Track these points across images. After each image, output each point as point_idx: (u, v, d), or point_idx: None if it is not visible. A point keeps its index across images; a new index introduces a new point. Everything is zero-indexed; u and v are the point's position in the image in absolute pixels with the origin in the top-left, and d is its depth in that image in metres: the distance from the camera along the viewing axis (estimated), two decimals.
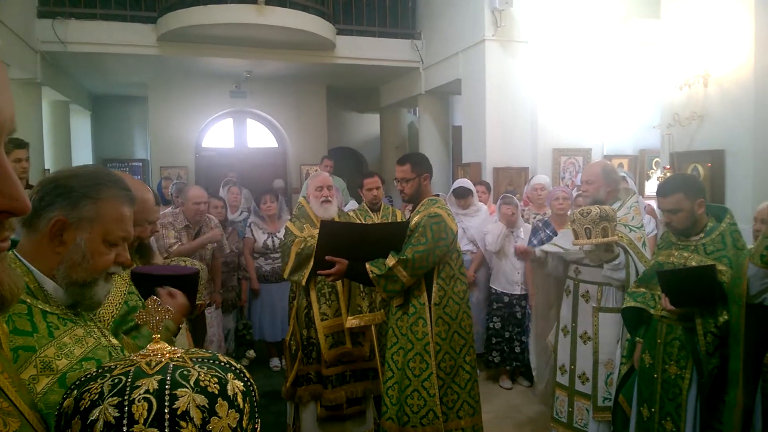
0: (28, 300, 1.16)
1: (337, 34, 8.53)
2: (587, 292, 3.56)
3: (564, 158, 7.20)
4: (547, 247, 3.74)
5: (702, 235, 2.84)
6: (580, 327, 3.59)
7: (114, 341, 1.32)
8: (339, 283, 3.67)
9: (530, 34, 7.16)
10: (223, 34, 7.81)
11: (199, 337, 4.61)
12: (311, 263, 3.60)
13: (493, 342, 5.02)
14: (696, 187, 2.83)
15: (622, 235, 3.35)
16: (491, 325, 5.06)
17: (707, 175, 4.84)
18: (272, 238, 5.32)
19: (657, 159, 6.70)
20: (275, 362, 5.56)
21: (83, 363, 1.16)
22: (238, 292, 5.42)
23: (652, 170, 7.27)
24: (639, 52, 7.19)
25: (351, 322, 3.65)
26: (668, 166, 5.23)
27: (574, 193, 4.80)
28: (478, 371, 3.48)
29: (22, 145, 4.00)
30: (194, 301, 2.21)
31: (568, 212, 4.32)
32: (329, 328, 3.67)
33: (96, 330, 1.28)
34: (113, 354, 1.26)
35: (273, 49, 8.48)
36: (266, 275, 5.37)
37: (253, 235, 5.38)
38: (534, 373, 4.34)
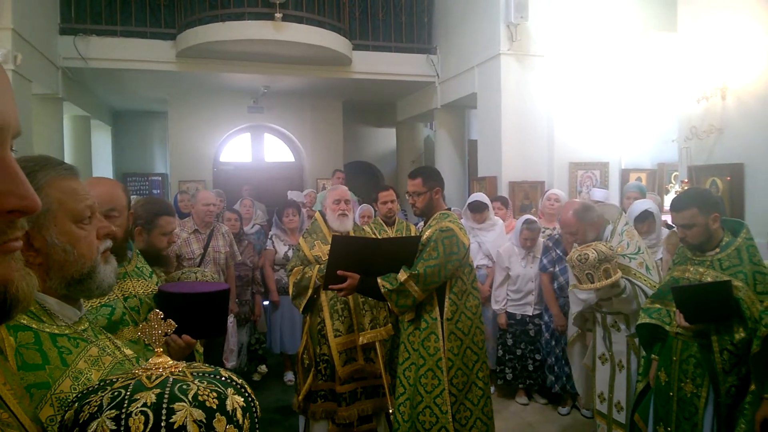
0: (34, 325, 1.07)
1: (354, 49, 8.61)
2: (615, 322, 3.51)
3: (581, 172, 7.15)
4: (581, 294, 3.60)
5: (717, 250, 2.78)
6: (617, 356, 3.54)
7: (128, 352, 1.25)
8: (351, 299, 3.67)
9: (546, 48, 7.16)
10: (241, 50, 7.93)
11: (218, 347, 4.64)
12: (309, 293, 3.62)
13: (506, 359, 4.96)
14: (710, 202, 2.79)
15: (625, 267, 3.31)
16: (503, 341, 5.01)
17: (726, 188, 4.77)
18: (293, 249, 5.34)
19: (675, 173, 6.63)
20: (289, 376, 5.55)
21: None
22: (252, 306, 5.44)
23: (671, 184, 7.19)
24: (656, 66, 7.14)
25: (365, 337, 3.64)
26: (686, 180, 5.17)
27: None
28: (492, 388, 3.44)
29: None
30: (225, 317, 2.07)
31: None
32: (342, 345, 3.66)
33: (109, 343, 1.21)
34: (131, 368, 1.16)
35: (290, 64, 8.57)
36: (287, 287, 5.35)
37: (274, 246, 5.41)
38: (582, 401, 4.24)
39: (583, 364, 3.92)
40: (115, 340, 1.26)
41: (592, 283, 3.20)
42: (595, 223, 3.49)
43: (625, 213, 3.98)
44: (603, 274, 3.17)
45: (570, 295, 3.81)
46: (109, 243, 1.23)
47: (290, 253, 5.33)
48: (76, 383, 1.04)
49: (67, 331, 1.11)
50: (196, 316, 1.92)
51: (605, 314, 3.55)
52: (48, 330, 1.08)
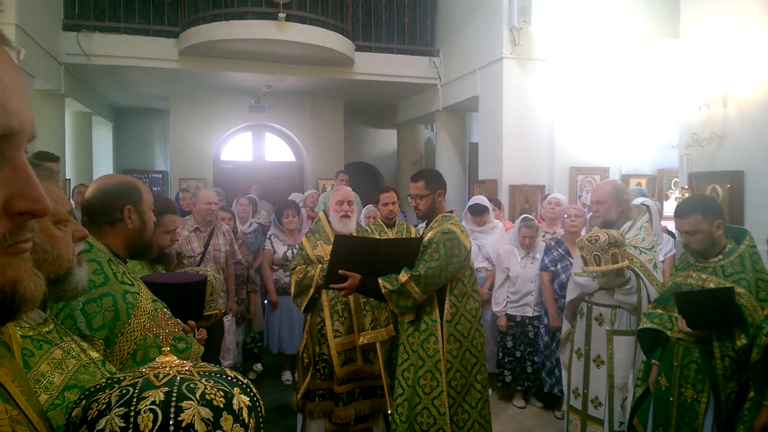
0: None
1: (356, 50, 8.61)
2: (600, 314, 3.50)
3: (581, 177, 7.16)
4: (581, 280, 3.60)
5: (721, 256, 2.80)
6: (593, 351, 3.53)
7: (94, 354, 1.22)
8: (352, 300, 3.67)
9: (548, 53, 7.18)
10: (243, 49, 7.93)
11: (215, 346, 4.64)
12: (311, 292, 3.62)
13: (505, 361, 4.97)
14: (714, 209, 2.80)
15: (632, 257, 3.31)
16: (502, 343, 5.01)
17: (726, 196, 4.78)
18: (292, 249, 5.34)
19: (676, 179, 6.64)
20: (287, 376, 5.55)
21: (65, 394, 1.06)
22: (247, 305, 5.44)
23: (671, 190, 7.20)
24: (658, 72, 7.16)
25: (364, 338, 3.64)
26: (686, 187, 5.18)
27: (588, 213, 4.76)
28: (490, 391, 3.44)
29: (53, 158, 4.13)
30: (201, 307, 2.18)
31: (582, 231, 4.26)
32: (342, 345, 3.66)
33: (74, 346, 1.19)
34: (96, 371, 1.16)
35: (292, 64, 8.58)
36: (285, 287, 5.33)
37: (273, 246, 5.40)
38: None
39: (562, 362, 3.92)
40: (81, 343, 1.24)
41: (599, 265, 3.20)
42: (623, 205, 3.48)
43: None
44: (611, 258, 3.17)
45: (569, 285, 3.78)
46: (83, 246, 1.23)
47: (289, 254, 5.33)
48: (37, 386, 1.02)
49: (30, 333, 1.10)
50: (177, 304, 2.02)
51: (592, 305, 3.54)
52: (10, 332, 1.05)
